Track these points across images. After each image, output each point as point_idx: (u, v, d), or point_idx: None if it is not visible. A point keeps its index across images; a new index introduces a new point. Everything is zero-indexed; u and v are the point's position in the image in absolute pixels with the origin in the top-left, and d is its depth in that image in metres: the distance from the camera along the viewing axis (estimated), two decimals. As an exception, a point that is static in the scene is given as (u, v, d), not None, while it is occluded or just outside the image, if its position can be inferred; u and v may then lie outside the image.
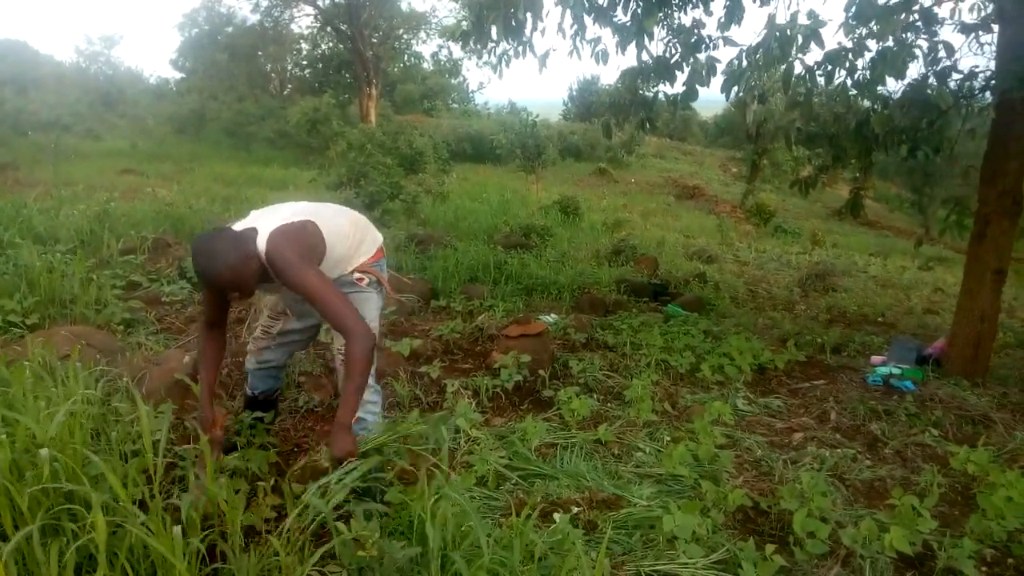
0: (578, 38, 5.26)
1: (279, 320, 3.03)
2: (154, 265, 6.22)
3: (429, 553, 1.95)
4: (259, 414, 2.97)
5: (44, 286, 4.69)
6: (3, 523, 1.87)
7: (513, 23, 4.81)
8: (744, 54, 4.38)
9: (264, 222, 2.51)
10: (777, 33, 4.03)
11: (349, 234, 2.76)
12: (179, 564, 1.75)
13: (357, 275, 2.82)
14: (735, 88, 4.48)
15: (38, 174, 14.00)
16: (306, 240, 2.53)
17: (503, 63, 5.33)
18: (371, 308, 2.86)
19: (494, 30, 4.82)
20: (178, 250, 6.66)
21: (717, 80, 4.70)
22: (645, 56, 5.31)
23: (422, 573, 1.94)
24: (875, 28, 4.00)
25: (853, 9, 4.08)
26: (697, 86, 4.95)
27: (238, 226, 2.53)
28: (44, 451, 1.88)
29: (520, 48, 5.17)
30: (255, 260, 2.41)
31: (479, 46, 5.13)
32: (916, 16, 4.16)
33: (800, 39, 3.98)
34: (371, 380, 2.77)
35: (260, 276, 2.46)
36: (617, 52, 5.15)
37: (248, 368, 3.13)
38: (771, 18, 4.16)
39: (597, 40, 5.23)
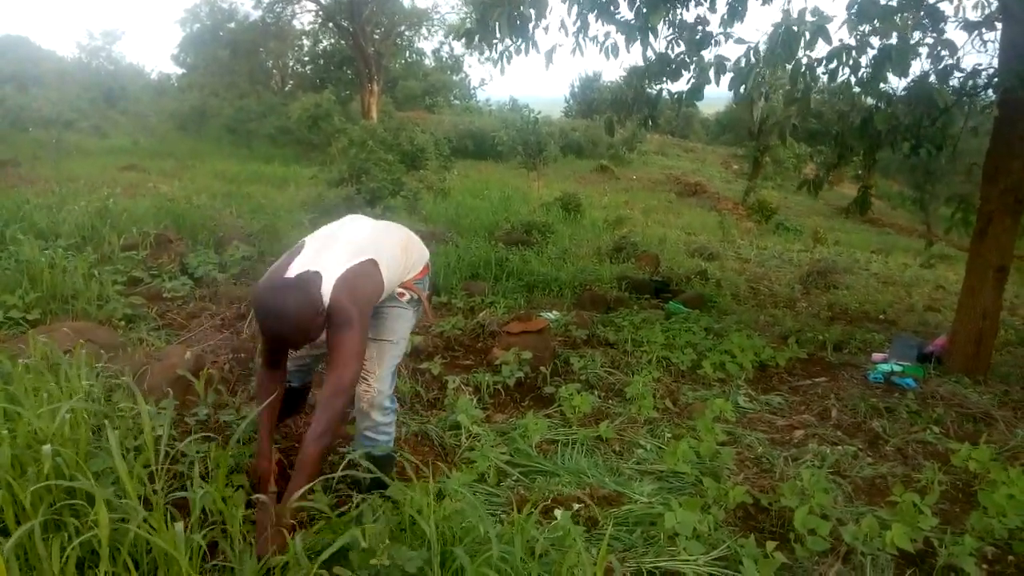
0: (581, 35, 5.26)
1: None
2: (156, 261, 6.21)
3: (431, 549, 1.95)
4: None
5: (46, 282, 4.69)
6: (5, 518, 1.87)
7: (517, 20, 4.81)
8: (752, 51, 4.38)
9: (327, 262, 2.41)
10: (783, 28, 4.02)
11: (402, 260, 2.74)
12: (182, 560, 1.75)
13: (399, 290, 2.80)
14: (743, 86, 4.47)
15: (39, 170, 13.99)
16: (370, 290, 2.49)
17: (504, 59, 5.33)
18: (404, 325, 2.85)
19: (498, 27, 4.82)
20: (179, 246, 6.66)
21: (723, 77, 4.70)
22: (650, 53, 5.31)
23: (424, 569, 1.94)
24: (877, 26, 4.00)
25: (855, 7, 4.08)
26: (704, 85, 4.95)
27: (296, 265, 2.41)
28: (47, 447, 1.89)
29: (523, 45, 5.17)
30: (322, 314, 2.33)
31: (484, 44, 5.13)
32: (922, 13, 4.15)
33: (808, 35, 3.98)
34: (388, 402, 2.73)
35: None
36: (627, 48, 5.15)
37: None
38: (786, 14, 4.16)
39: (606, 35, 5.22)
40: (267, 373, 2.59)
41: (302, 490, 2.16)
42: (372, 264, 2.50)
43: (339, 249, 2.50)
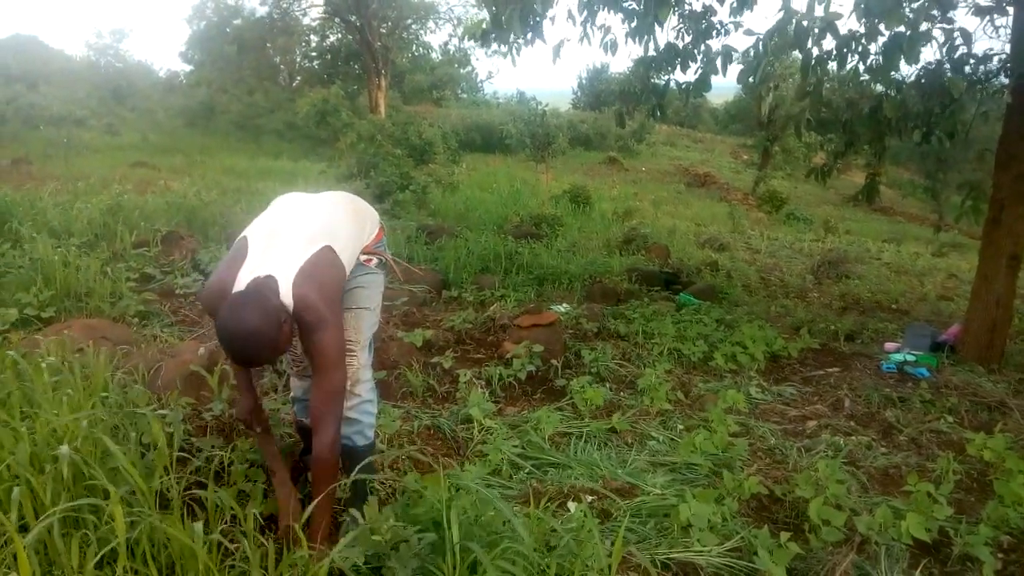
0: (588, 24, 5.25)
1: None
2: (167, 258, 6.25)
3: (446, 542, 1.95)
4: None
5: (59, 279, 4.72)
6: (25, 515, 1.89)
7: (529, 16, 4.83)
8: (761, 42, 4.36)
9: (278, 261, 2.18)
10: (793, 21, 4.00)
11: (356, 230, 2.53)
12: (201, 553, 1.76)
13: (363, 257, 2.59)
14: (751, 78, 4.46)
15: (51, 168, 14.08)
16: (334, 278, 2.28)
17: (513, 51, 5.33)
18: (377, 290, 2.66)
19: (511, 24, 4.84)
20: (191, 242, 6.70)
21: (732, 68, 4.69)
22: (654, 44, 5.30)
23: (440, 563, 1.95)
24: (883, 18, 3.98)
25: (863, 3, 4.05)
26: (711, 75, 4.94)
27: (245, 273, 2.17)
28: (64, 448, 1.90)
29: (532, 37, 5.18)
30: (288, 320, 2.11)
31: (500, 45, 5.16)
32: (930, 3, 4.11)
33: (817, 31, 3.96)
34: (368, 374, 2.58)
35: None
36: (627, 41, 5.14)
37: (296, 396, 2.82)
38: (786, 2, 4.13)
39: (607, 30, 5.21)
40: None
41: (327, 506, 2.16)
42: (329, 250, 2.28)
43: (288, 243, 2.25)
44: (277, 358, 2.25)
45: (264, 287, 2.11)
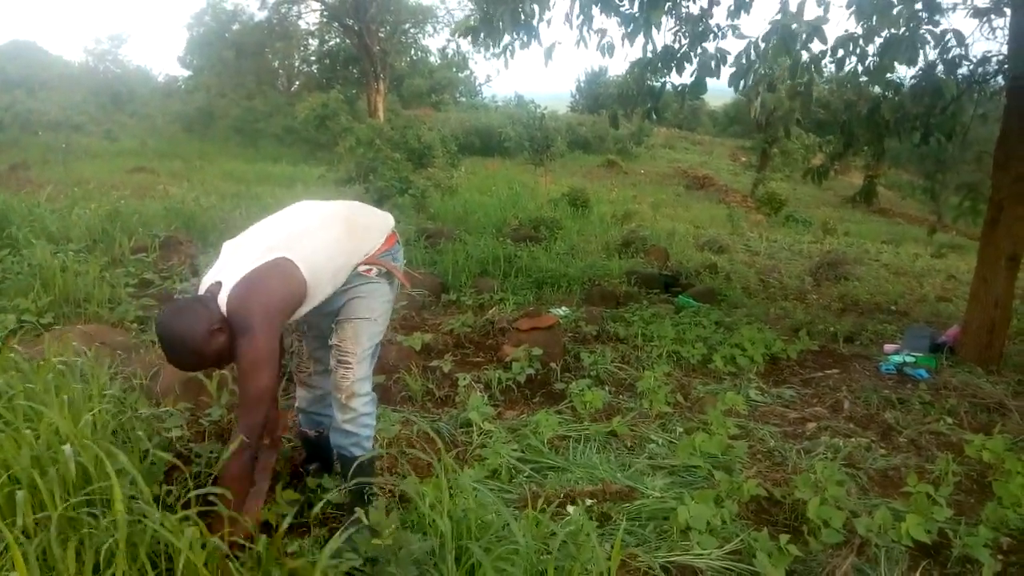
0: (585, 28, 5.26)
1: (303, 340, 2.77)
2: (166, 263, 6.24)
3: (446, 545, 1.95)
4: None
5: (58, 285, 4.71)
6: (26, 517, 1.88)
7: (521, 16, 4.83)
8: (753, 46, 4.38)
9: (231, 269, 2.21)
10: (780, 27, 4.03)
11: (345, 244, 2.44)
12: (196, 558, 1.76)
13: (363, 267, 2.51)
14: (742, 81, 4.47)
15: (49, 173, 14.10)
16: (278, 287, 2.20)
17: (507, 54, 5.35)
18: (379, 301, 2.56)
19: (502, 24, 4.84)
20: (190, 248, 6.69)
21: (725, 71, 4.70)
22: (651, 47, 5.31)
23: (439, 565, 1.95)
24: (875, 21, 4.00)
25: (853, 6, 4.07)
26: (706, 78, 4.95)
27: (206, 280, 2.25)
28: (68, 448, 1.90)
29: (527, 39, 5.19)
30: (222, 328, 2.13)
31: (489, 41, 5.16)
32: (921, 5, 4.13)
33: (804, 35, 3.98)
34: (367, 387, 2.52)
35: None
36: (623, 44, 5.16)
37: (300, 407, 2.83)
38: (784, 3, 4.15)
39: (603, 32, 5.22)
40: None
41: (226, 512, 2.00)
42: (283, 261, 2.23)
43: (246, 252, 2.26)
44: (211, 366, 2.23)
45: (208, 293, 2.18)
